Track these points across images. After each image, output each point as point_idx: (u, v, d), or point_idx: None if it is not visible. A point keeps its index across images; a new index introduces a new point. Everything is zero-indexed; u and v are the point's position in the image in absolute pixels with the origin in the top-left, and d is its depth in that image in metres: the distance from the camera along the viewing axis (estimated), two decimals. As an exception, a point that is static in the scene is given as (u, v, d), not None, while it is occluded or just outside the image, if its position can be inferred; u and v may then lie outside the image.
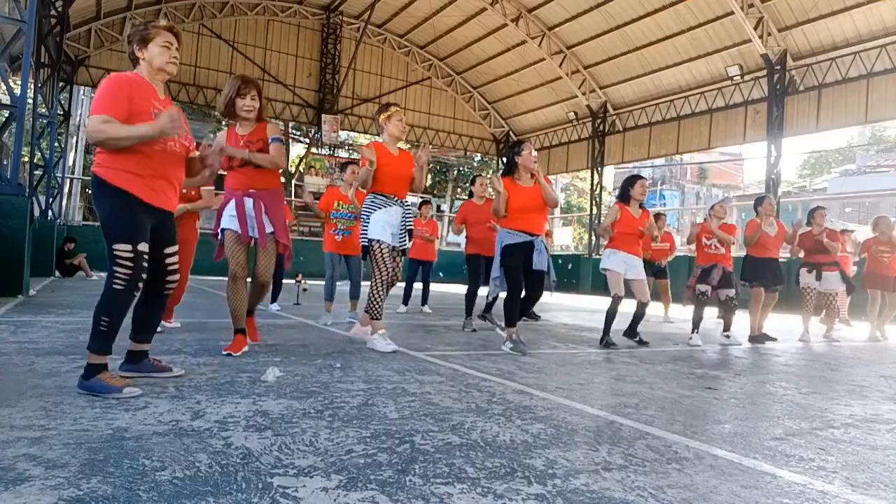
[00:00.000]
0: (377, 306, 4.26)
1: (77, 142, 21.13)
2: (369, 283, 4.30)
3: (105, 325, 2.59)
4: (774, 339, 6.39)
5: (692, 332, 5.83)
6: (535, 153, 4.71)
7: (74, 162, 20.90)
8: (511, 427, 2.39)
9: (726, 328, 6.07)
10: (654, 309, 9.34)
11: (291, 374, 3.22)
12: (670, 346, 5.61)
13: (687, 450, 2.23)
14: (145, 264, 2.62)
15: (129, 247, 2.56)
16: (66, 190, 17.13)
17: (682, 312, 9.06)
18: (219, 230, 3.77)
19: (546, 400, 2.94)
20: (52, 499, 1.47)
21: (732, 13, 13.46)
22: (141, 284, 2.63)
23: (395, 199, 4.30)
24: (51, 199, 13.37)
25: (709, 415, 2.84)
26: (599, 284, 16.50)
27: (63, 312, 5.58)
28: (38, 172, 12.88)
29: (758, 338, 6.29)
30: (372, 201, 4.30)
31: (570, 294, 16.06)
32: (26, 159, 13.24)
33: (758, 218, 6.43)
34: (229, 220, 3.71)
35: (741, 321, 6.70)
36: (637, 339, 5.47)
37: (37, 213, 11.49)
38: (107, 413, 2.26)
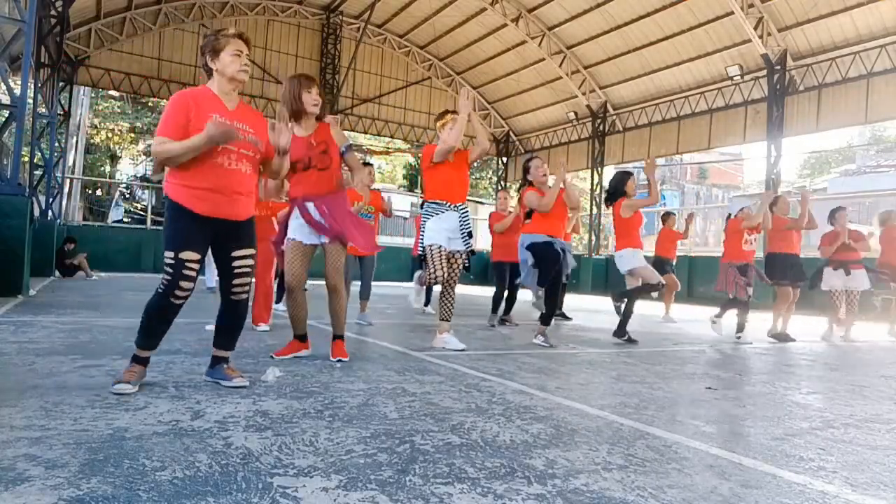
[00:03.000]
0: (451, 308, 4.47)
1: (77, 142, 21.13)
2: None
3: (143, 322, 2.73)
4: (794, 340, 6.41)
5: (741, 333, 6.06)
6: (545, 166, 5.24)
7: (74, 162, 20.89)
8: (511, 427, 2.39)
9: (740, 329, 6.14)
10: (656, 309, 9.36)
11: (291, 374, 3.22)
12: (670, 346, 5.62)
13: (687, 450, 2.23)
14: (188, 272, 2.66)
15: (171, 254, 2.65)
16: (66, 190, 17.11)
17: (683, 313, 9.08)
18: (285, 238, 3.68)
19: (546, 400, 2.95)
20: (52, 499, 1.47)
21: (732, 13, 13.45)
22: (180, 293, 2.66)
23: (448, 204, 4.38)
24: (51, 199, 13.36)
25: (709, 415, 2.84)
26: (599, 284, 16.49)
27: (63, 312, 5.58)
28: (38, 172, 12.87)
29: (779, 335, 6.36)
30: (426, 211, 4.43)
31: (570, 294, 16.04)
32: (26, 159, 13.22)
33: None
34: (297, 229, 3.62)
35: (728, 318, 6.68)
36: (626, 338, 5.56)
37: (37, 213, 11.49)
38: (107, 413, 2.26)
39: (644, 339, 5.80)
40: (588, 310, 10.22)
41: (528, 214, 5.18)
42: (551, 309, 5.15)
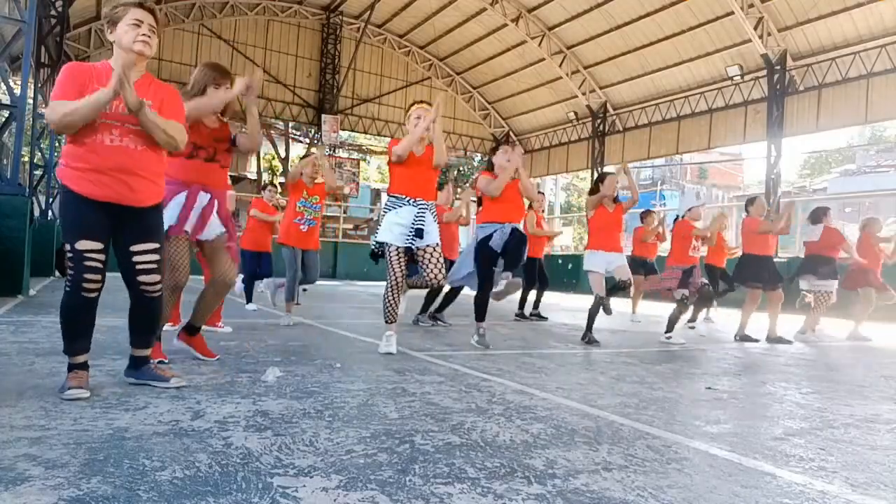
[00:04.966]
0: (388, 310, 4.18)
1: (77, 142, 21.09)
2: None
3: (62, 327, 2.54)
4: (757, 341, 6.25)
5: (669, 333, 5.77)
6: (509, 154, 4.90)
7: (74, 162, 20.87)
8: (511, 427, 2.38)
9: (693, 318, 6.05)
10: (655, 309, 9.36)
11: (291, 374, 3.22)
12: (670, 346, 5.61)
13: (687, 450, 2.23)
14: (90, 263, 2.46)
15: (69, 246, 2.46)
16: (66, 190, 17.11)
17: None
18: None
19: (546, 400, 2.94)
20: (52, 499, 1.47)
21: (732, 13, 13.46)
22: (88, 285, 2.47)
23: (407, 199, 4.15)
24: (51, 199, 13.35)
25: (709, 415, 2.84)
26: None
27: (63, 312, 5.58)
28: (38, 172, 12.87)
29: (748, 336, 6.27)
30: (386, 205, 4.26)
31: (570, 294, 16.05)
32: (26, 159, 13.23)
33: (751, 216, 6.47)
34: (173, 216, 3.20)
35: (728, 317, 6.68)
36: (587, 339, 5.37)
37: (37, 213, 11.49)
38: (107, 413, 2.26)
39: (644, 340, 5.81)
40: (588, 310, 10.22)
41: (480, 201, 4.96)
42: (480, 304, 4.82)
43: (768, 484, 1.91)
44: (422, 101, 4.36)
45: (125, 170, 2.49)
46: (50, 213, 13.19)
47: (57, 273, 11.46)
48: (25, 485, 1.54)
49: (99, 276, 2.50)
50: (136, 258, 2.60)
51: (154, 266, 2.65)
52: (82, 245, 2.46)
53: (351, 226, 20.13)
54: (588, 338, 5.34)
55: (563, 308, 10.24)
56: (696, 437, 2.40)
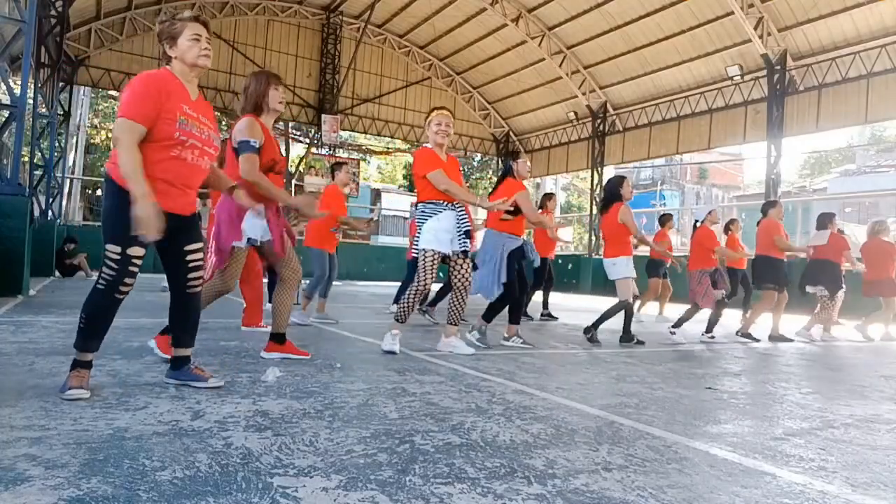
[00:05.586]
0: (404, 311, 4.18)
1: (77, 142, 21.14)
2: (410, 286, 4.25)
3: (83, 322, 2.56)
4: (758, 340, 6.33)
5: (674, 329, 5.99)
6: (529, 164, 5.14)
7: (74, 162, 20.90)
8: (511, 427, 2.39)
9: (710, 329, 6.13)
10: (650, 308, 9.36)
11: (291, 374, 3.22)
12: (670, 346, 5.61)
13: (687, 450, 2.23)
14: (134, 268, 2.53)
15: (118, 249, 2.48)
16: (66, 190, 17.11)
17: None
18: (242, 239, 3.43)
19: (546, 400, 2.95)
20: (52, 499, 1.47)
21: (732, 13, 13.45)
22: (124, 289, 2.53)
23: (445, 203, 4.15)
24: (51, 199, 13.35)
25: (709, 415, 2.84)
26: (599, 284, 16.47)
27: (63, 312, 5.58)
28: (38, 172, 12.87)
29: (749, 335, 6.36)
30: (422, 211, 4.20)
31: (570, 294, 16.06)
32: (26, 159, 13.22)
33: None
34: (261, 229, 3.42)
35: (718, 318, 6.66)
36: (635, 341, 5.42)
37: (37, 213, 11.49)
38: (107, 413, 2.26)
39: (644, 339, 5.79)
40: (588, 310, 10.21)
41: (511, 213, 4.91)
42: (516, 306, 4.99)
43: (768, 484, 1.91)
44: (442, 108, 4.40)
45: (190, 185, 2.69)
46: (50, 213, 13.19)
47: (57, 273, 11.46)
48: (25, 485, 1.54)
49: (134, 280, 2.59)
50: (189, 257, 2.78)
51: (201, 263, 2.85)
52: (134, 251, 2.52)
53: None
54: (591, 334, 5.38)
55: (563, 308, 10.24)
56: (696, 437, 2.40)
